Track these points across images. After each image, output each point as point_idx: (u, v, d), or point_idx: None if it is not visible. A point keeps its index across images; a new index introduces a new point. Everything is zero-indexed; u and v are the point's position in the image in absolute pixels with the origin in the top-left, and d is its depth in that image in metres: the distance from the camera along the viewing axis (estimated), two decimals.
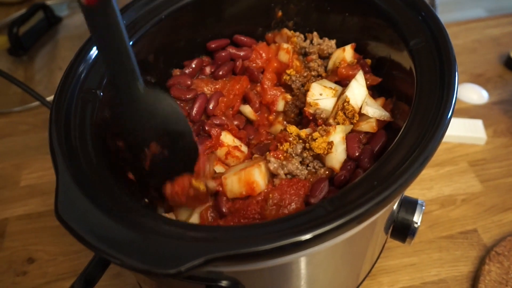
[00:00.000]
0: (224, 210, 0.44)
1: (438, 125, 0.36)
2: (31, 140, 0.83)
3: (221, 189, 0.45)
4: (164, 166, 0.42)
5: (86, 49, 0.47)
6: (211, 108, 0.54)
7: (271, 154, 0.47)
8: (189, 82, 0.56)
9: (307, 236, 0.30)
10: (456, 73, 0.40)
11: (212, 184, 0.45)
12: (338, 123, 0.48)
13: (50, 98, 0.74)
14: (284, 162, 0.46)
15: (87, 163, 0.37)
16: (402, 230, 0.48)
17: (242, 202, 0.44)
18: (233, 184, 0.45)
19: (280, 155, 0.47)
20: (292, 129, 0.48)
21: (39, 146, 0.81)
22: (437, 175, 0.72)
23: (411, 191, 0.70)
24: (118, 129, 0.41)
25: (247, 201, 0.44)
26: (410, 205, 0.48)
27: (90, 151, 0.39)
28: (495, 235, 0.65)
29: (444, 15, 0.66)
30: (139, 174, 0.43)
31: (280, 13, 0.62)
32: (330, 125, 0.48)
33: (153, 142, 0.40)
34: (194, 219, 0.45)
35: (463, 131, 0.77)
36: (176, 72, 0.58)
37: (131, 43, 0.47)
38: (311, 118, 0.51)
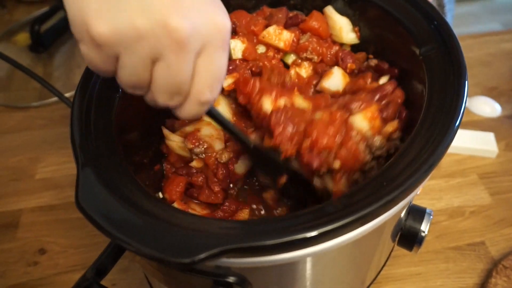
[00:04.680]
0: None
1: (447, 130, 0.38)
2: (48, 134, 0.85)
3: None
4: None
5: None
6: None
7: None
8: None
9: (314, 233, 0.32)
10: (466, 80, 0.41)
11: None
12: None
13: (67, 94, 0.76)
14: None
15: (107, 156, 0.39)
16: (409, 238, 0.49)
17: None
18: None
19: None
20: None
21: (55, 141, 0.83)
22: (446, 186, 0.73)
23: (420, 201, 0.70)
24: None
25: None
26: (418, 213, 0.48)
27: (110, 145, 0.40)
28: (503, 249, 0.64)
29: (460, 28, 0.67)
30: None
31: None
32: None
33: None
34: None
35: (474, 143, 0.77)
36: None
37: None
38: None
